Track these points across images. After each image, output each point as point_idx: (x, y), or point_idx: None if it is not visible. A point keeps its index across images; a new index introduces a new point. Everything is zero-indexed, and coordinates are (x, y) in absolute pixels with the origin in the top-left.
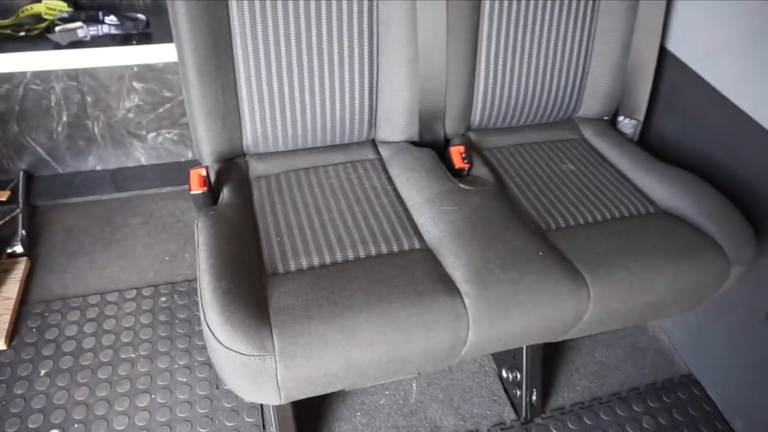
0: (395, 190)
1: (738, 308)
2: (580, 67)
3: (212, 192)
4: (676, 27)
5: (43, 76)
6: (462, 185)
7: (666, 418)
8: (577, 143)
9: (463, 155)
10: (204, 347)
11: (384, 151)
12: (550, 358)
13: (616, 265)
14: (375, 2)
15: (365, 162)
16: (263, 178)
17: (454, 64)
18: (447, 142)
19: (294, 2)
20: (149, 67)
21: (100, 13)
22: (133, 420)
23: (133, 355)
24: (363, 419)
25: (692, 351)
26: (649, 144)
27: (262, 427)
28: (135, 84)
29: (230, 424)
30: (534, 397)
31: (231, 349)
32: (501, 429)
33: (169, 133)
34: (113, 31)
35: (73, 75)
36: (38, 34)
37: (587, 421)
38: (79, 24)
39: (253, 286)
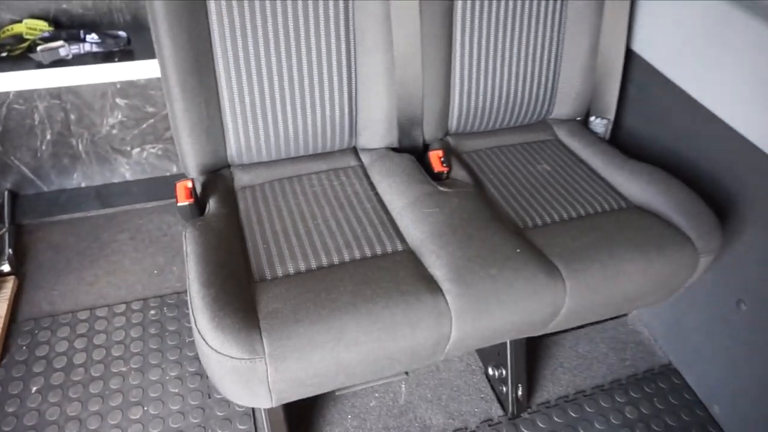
0: (377, 195)
1: (711, 298)
2: (551, 70)
3: (199, 203)
4: (640, 29)
5: (26, 96)
6: (441, 188)
7: (647, 407)
8: (551, 144)
9: (442, 159)
10: (195, 358)
11: (365, 158)
12: (534, 355)
13: (590, 259)
14: (350, 13)
15: (347, 169)
16: (248, 188)
17: (429, 72)
18: (426, 147)
19: (272, 18)
20: (132, 84)
21: (82, 32)
22: None
23: (124, 369)
24: (354, 422)
25: (671, 341)
26: (621, 142)
27: None
28: (118, 100)
29: None
30: (520, 393)
31: (222, 354)
32: (489, 425)
33: (154, 148)
34: (95, 49)
35: (56, 93)
36: (20, 54)
37: (572, 414)
38: (60, 43)
39: (242, 292)
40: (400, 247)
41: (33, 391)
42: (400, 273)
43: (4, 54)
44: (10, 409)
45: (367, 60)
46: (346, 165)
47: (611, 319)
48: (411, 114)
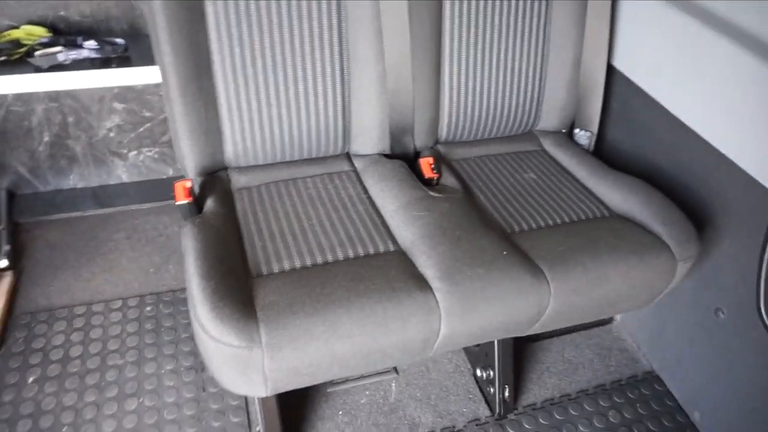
0: (370, 198)
1: (691, 306)
2: (536, 83)
3: (197, 203)
4: (620, 46)
5: (25, 98)
6: (432, 193)
7: (630, 412)
8: (537, 154)
9: (432, 166)
10: (190, 353)
11: (358, 163)
12: (521, 358)
13: (573, 262)
14: (343, 25)
15: (341, 173)
16: (245, 189)
17: (419, 82)
18: (417, 155)
19: (269, 28)
20: (129, 89)
21: (80, 39)
22: (121, 423)
23: (120, 362)
24: (345, 418)
25: (653, 349)
26: (604, 154)
27: (248, 427)
28: (116, 105)
29: (217, 425)
30: (507, 394)
31: (221, 342)
32: (476, 425)
33: (150, 151)
34: (93, 55)
35: (54, 97)
36: (18, 59)
37: (557, 416)
38: (58, 49)
39: (240, 286)
40: (391, 248)
41: (29, 381)
42: (391, 271)
43: (3, 58)
44: (7, 398)
45: (359, 70)
46: (340, 170)
47: (596, 326)
48: (402, 122)
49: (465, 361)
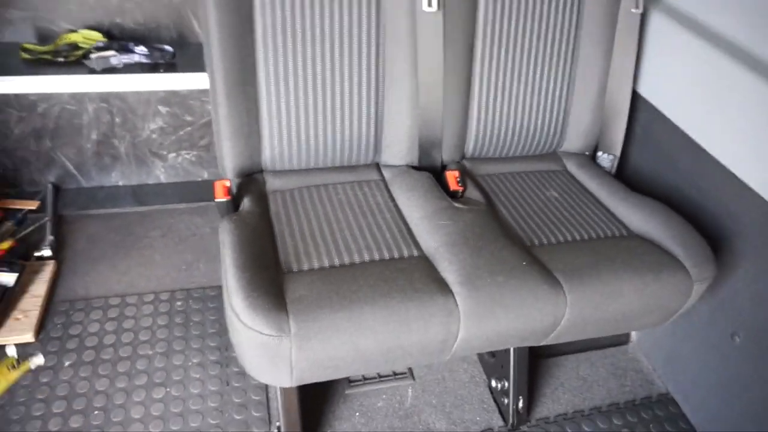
0: (396, 206)
1: (707, 330)
2: (562, 107)
3: (234, 202)
4: (646, 74)
5: (78, 98)
6: (456, 204)
7: None
8: (560, 174)
9: (458, 179)
10: (216, 348)
11: (387, 173)
12: (536, 373)
13: (590, 277)
14: (381, 42)
15: (370, 182)
16: (279, 192)
17: (449, 100)
18: (443, 168)
19: (312, 42)
20: (174, 93)
21: (132, 44)
22: (149, 410)
23: (150, 352)
24: (361, 419)
25: (669, 371)
26: (626, 177)
27: (268, 422)
28: (160, 108)
29: (239, 418)
30: (520, 405)
31: (253, 329)
32: None
33: (188, 154)
34: (143, 60)
35: (105, 97)
36: (75, 61)
37: (569, 431)
38: (112, 52)
39: (272, 279)
40: (415, 253)
41: (66, 365)
42: (415, 274)
43: (61, 59)
44: (44, 379)
45: (394, 86)
46: (369, 178)
47: (612, 345)
48: (431, 136)
49: (480, 371)
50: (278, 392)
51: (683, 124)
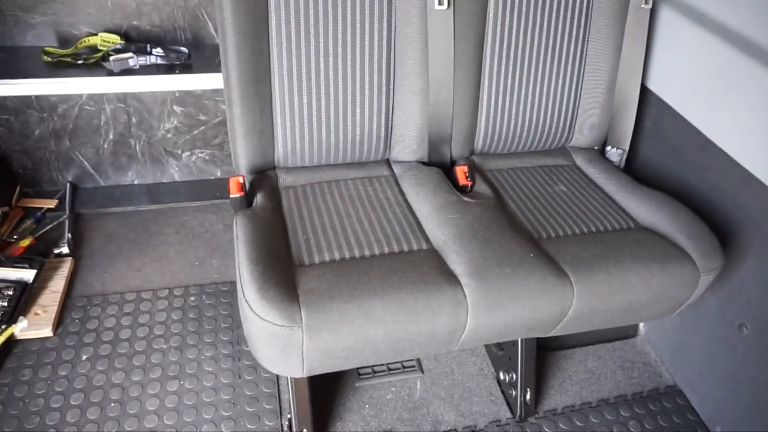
0: (406, 201)
1: (715, 322)
2: (571, 102)
3: (247, 197)
4: (655, 69)
5: (97, 98)
6: (465, 198)
7: (651, 423)
8: (569, 168)
9: (467, 174)
10: (229, 342)
11: (396, 169)
12: (544, 366)
13: (597, 268)
14: (392, 40)
15: (380, 177)
16: (291, 188)
17: (459, 96)
18: (453, 163)
19: (324, 41)
20: (189, 93)
21: (148, 46)
22: (163, 402)
23: (164, 346)
24: (371, 411)
25: (677, 363)
26: (635, 171)
27: (279, 414)
28: (175, 108)
29: (250, 410)
30: (528, 397)
31: (265, 320)
32: (497, 426)
33: (202, 153)
34: (159, 61)
35: (122, 98)
36: (94, 63)
37: (577, 423)
38: (130, 54)
39: (284, 272)
40: (424, 246)
41: (83, 358)
42: (424, 267)
43: (80, 61)
44: (63, 373)
45: (404, 82)
46: (380, 174)
47: (620, 339)
48: (441, 132)
49: (488, 364)
50: (289, 383)
51: (692, 117)
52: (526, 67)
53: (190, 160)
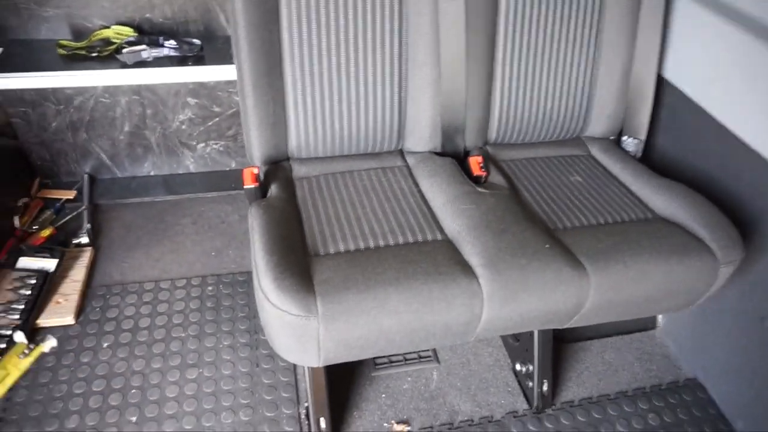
0: (420, 191)
1: (736, 314)
2: (586, 92)
3: (262, 188)
4: (671, 57)
5: (111, 91)
6: (479, 189)
7: (670, 416)
8: (584, 159)
9: (481, 164)
10: (246, 331)
11: (410, 159)
12: (561, 357)
13: (614, 259)
14: (403, 30)
15: (394, 168)
16: (305, 179)
17: (472, 86)
18: (466, 154)
19: (336, 32)
20: (202, 85)
21: (161, 38)
22: (182, 389)
23: (183, 335)
24: (387, 400)
25: (697, 356)
26: (652, 161)
27: (297, 402)
28: (189, 99)
29: (268, 398)
30: (545, 388)
31: (281, 309)
32: (514, 416)
33: (216, 144)
34: (172, 53)
35: (136, 90)
36: (108, 55)
37: (595, 415)
38: (143, 47)
39: (299, 262)
40: (439, 237)
41: (104, 346)
42: (438, 257)
43: (95, 54)
44: (85, 360)
45: (416, 72)
46: (393, 164)
47: (638, 330)
48: (454, 122)
49: (505, 355)
50: (306, 372)
51: (710, 106)
52: (539, 56)
53: (204, 152)
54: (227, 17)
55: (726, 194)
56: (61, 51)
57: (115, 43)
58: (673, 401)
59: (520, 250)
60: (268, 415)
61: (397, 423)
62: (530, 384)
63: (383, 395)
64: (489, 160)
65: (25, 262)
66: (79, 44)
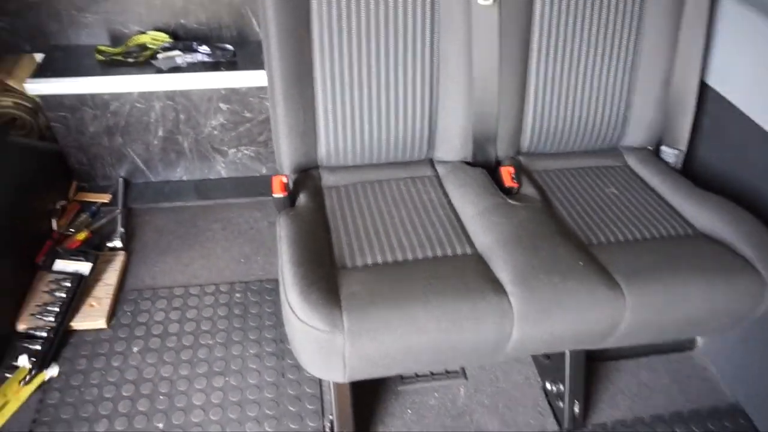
0: (450, 202)
1: None
2: (623, 99)
3: (290, 197)
4: (716, 64)
5: (147, 96)
6: (511, 201)
7: None
8: (620, 170)
9: (513, 175)
10: (273, 339)
11: (440, 169)
12: (593, 377)
13: (652, 279)
14: (435, 37)
15: (423, 178)
16: (334, 188)
17: (505, 94)
18: (498, 164)
19: (366, 40)
20: (234, 91)
21: (195, 44)
22: (209, 397)
23: (210, 342)
24: (413, 416)
25: (739, 381)
26: (693, 173)
27: (321, 415)
28: (221, 105)
29: (293, 409)
30: (576, 409)
31: (308, 324)
32: None
33: (247, 149)
34: (205, 59)
35: (170, 95)
36: (143, 61)
37: None
38: (177, 53)
39: (326, 275)
40: (468, 251)
41: (134, 351)
42: (468, 273)
43: (131, 60)
44: (115, 364)
45: (448, 82)
46: (423, 174)
47: (676, 351)
48: (486, 132)
49: (535, 373)
50: (331, 386)
51: (757, 115)
52: (575, 63)
53: (236, 157)
54: (259, 24)
55: None
56: (100, 57)
57: (151, 48)
58: (712, 428)
59: (553, 267)
60: (293, 427)
61: None
62: (561, 404)
63: (409, 411)
64: (521, 171)
65: (60, 264)
66: (116, 50)
